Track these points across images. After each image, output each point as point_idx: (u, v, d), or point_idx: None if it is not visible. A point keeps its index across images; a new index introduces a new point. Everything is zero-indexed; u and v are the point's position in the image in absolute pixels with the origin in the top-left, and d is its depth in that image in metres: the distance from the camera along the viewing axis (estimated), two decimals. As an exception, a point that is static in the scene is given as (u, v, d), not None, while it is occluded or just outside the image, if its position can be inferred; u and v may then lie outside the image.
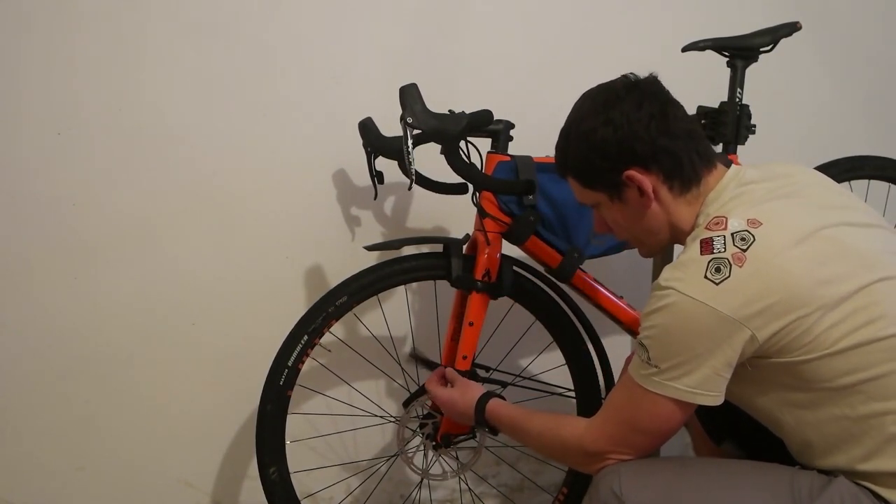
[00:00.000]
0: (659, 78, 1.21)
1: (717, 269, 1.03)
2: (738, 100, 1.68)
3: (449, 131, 1.41)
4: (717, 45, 1.66)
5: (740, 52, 1.67)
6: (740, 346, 1.03)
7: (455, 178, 1.49)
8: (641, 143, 1.13)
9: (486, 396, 1.35)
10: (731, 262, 1.03)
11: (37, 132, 1.58)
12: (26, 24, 1.55)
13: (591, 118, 1.17)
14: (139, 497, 1.74)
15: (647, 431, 1.12)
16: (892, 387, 1.03)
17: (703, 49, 1.66)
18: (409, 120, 1.38)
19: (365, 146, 1.57)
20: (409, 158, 1.39)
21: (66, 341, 1.65)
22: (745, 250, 1.03)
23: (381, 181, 1.60)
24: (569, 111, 1.24)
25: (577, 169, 1.21)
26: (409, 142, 1.38)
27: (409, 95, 1.39)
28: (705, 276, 1.03)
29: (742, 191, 1.14)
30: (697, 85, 1.81)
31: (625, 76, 1.21)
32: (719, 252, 1.04)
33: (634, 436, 1.13)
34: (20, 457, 1.65)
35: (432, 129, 1.40)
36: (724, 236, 1.05)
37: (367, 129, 1.57)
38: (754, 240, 1.04)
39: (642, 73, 1.22)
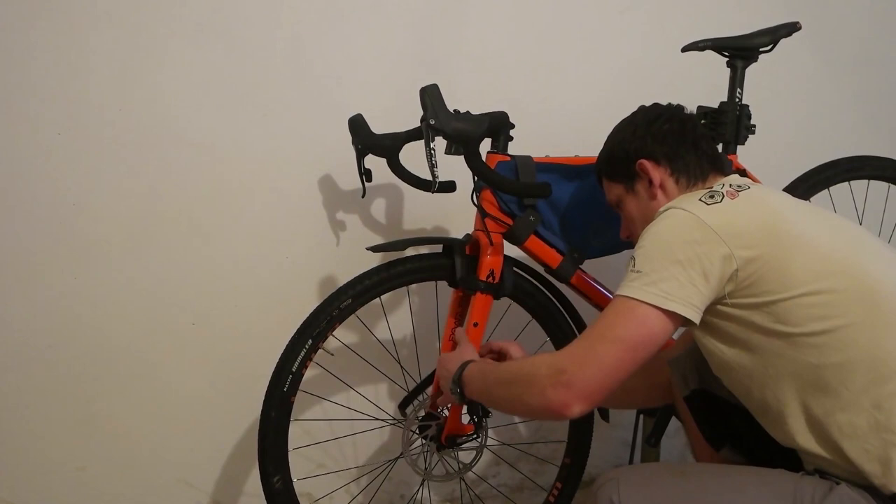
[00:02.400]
0: (691, 111, 1.38)
1: (711, 196, 1.16)
2: (737, 100, 1.68)
3: (471, 133, 1.41)
4: (717, 45, 1.66)
5: (740, 52, 1.67)
6: (719, 263, 1.08)
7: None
8: (654, 141, 1.29)
9: (468, 362, 1.30)
10: (725, 194, 1.16)
11: (37, 132, 1.58)
12: (27, 24, 1.55)
13: (621, 124, 1.37)
14: (139, 497, 1.74)
15: (615, 339, 1.08)
16: (865, 335, 1.06)
17: (703, 49, 1.66)
18: (432, 122, 1.37)
19: (354, 143, 1.57)
20: (432, 161, 1.37)
21: (65, 341, 1.65)
22: (738, 191, 1.17)
23: (370, 179, 1.60)
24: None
25: (604, 163, 1.38)
26: (432, 144, 1.37)
27: (431, 96, 1.38)
28: (699, 199, 1.15)
29: (743, 180, 1.26)
30: (697, 85, 1.82)
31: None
32: (717, 189, 1.18)
33: (601, 344, 1.08)
34: (20, 457, 1.65)
35: (455, 130, 1.39)
36: (723, 184, 1.21)
37: (358, 126, 1.57)
38: (749, 188, 1.18)
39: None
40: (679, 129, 1.29)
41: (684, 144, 1.28)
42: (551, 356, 1.13)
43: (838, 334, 1.06)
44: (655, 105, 1.36)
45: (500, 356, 1.45)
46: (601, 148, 1.39)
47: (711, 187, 1.19)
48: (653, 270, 1.09)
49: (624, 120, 1.37)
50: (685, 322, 1.09)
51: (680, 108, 1.35)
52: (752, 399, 1.19)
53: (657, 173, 1.27)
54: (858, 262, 1.10)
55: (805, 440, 1.11)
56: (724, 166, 1.31)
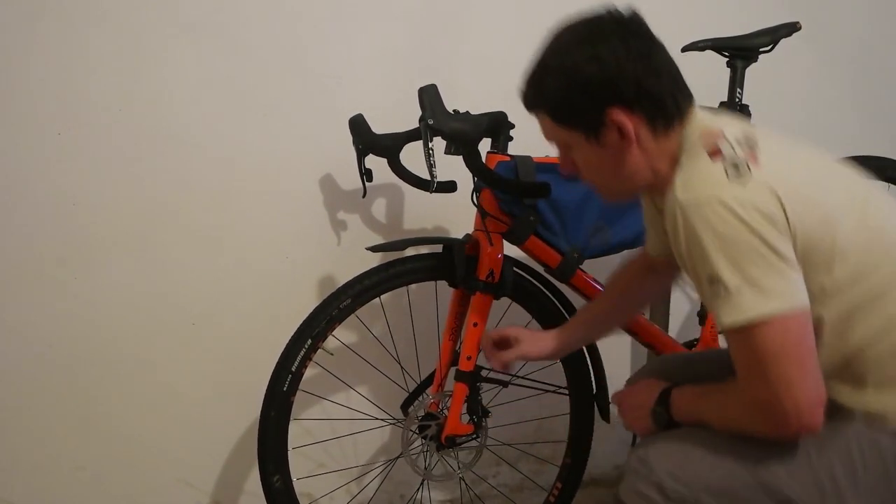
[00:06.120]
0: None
1: (736, 168, 1.00)
2: (737, 100, 1.68)
3: (469, 133, 1.41)
4: (717, 45, 1.67)
5: (740, 52, 1.67)
6: (787, 238, 0.99)
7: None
8: (627, 84, 1.05)
9: (670, 388, 1.20)
10: (747, 164, 1.00)
11: (37, 132, 1.58)
12: (27, 24, 1.55)
13: (575, 52, 1.08)
14: (139, 497, 1.74)
15: (778, 358, 0.98)
16: None
17: (702, 49, 1.66)
18: (431, 121, 1.36)
19: (355, 144, 1.57)
20: (430, 161, 1.37)
21: (65, 341, 1.65)
22: (755, 152, 1.02)
23: (370, 179, 1.60)
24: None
25: (555, 105, 1.12)
26: (431, 144, 1.36)
27: (429, 96, 1.38)
28: (728, 179, 1.00)
29: (716, 113, 1.14)
30: (697, 85, 1.81)
31: (606, 9, 1.11)
32: (730, 156, 1.01)
33: (774, 369, 0.98)
34: (20, 457, 1.65)
35: (453, 130, 1.39)
36: (728, 140, 1.03)
37: (358, 126, 1.57)
38: (758, 143, 1.03)
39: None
40: (645, 51, 1.07)
41: (653, 73, 1.06)
42: (742, 402, 1.04)
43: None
44: (598, 20, 1.09)
45: (505, 342, 1.45)
46: (542, 76, 1.12)
47: (721, 149, 1.02)
48: (746, 281, 0.97)
49: (566, 38, 1.10)
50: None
51: (619, 13, 1.09)
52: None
53: (630, 123, 1.06)
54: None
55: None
56: (691, 96, 1.13)
